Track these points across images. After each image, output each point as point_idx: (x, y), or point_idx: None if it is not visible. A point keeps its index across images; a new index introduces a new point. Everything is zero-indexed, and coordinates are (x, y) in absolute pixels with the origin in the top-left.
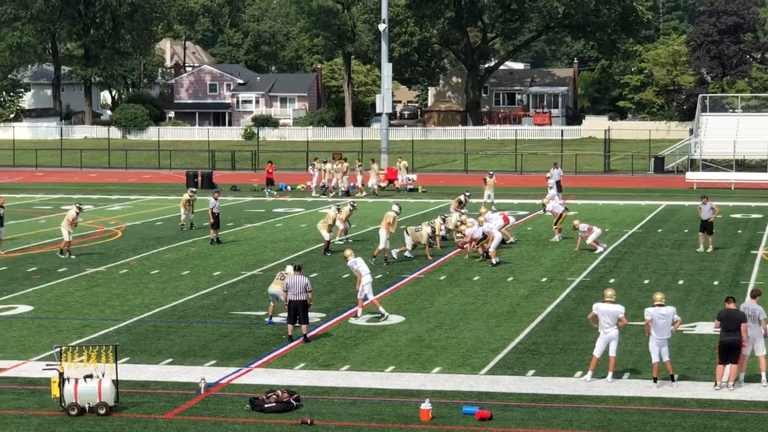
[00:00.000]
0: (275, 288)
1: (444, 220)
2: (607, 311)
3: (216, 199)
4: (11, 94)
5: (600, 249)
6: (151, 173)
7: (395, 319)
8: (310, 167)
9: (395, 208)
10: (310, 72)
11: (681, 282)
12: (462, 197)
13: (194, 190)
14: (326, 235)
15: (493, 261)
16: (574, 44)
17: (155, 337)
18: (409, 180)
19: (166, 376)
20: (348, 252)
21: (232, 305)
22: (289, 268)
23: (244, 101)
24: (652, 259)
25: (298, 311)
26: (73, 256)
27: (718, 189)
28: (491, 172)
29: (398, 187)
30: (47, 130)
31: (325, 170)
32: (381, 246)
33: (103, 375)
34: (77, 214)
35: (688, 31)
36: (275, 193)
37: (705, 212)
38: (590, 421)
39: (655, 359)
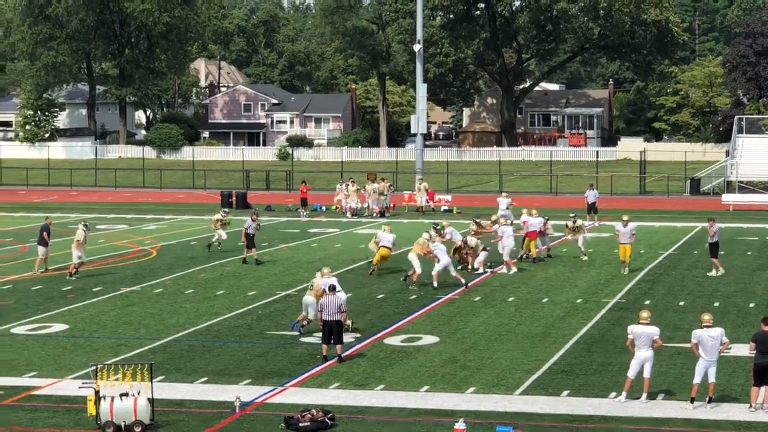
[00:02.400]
0: (309, 297)
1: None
2: (643, 333)
3: (254, 220)
4: (46, 113)
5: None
6: (186, 193)
7: (429, 339)
8: (343, 186)
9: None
10: (345, 92)
11: (717, 304)
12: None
13: (227, 210)
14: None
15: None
16: (610, 65)
17: (190, 356)
18: (428, 202)
19: (201, 394)
20: (327, 270)
21: (266, 325)
22: (323, 272)
23: (279, 121)
24: (687, 281)
25: (332, 331)
26: (73, 278)
27: (755, 211)
28: (504, 193)
29: (421, 209)
30: (82, 149)
31: (347, 192)
32: (418, 271)
33: (138, 393)
34: (84, 232)
35: (724, 53)
36: (307, 213)
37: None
38: None
39: (696, 380)
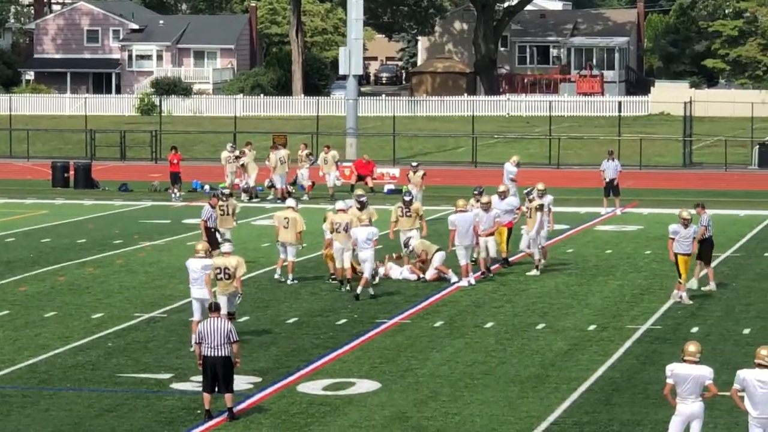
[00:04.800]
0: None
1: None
2: (689, 376)
3: (214, 206)
4: None
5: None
6: None
7: (366, 385)
8: (231, 154)
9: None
10: (240, 13)
11: None
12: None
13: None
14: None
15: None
16: None
17: (3, 411)
18: (338, 180)
19: None
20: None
21: (120, 364)
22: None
23: (140, 56)
24: (756, 298)
25: (217, 373)
26: None
27: None
28: (415, 164)
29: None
30: None
31: (245, 160)
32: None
33: None
34: None
35: None
36: (182, 195)
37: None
38: None
39: None
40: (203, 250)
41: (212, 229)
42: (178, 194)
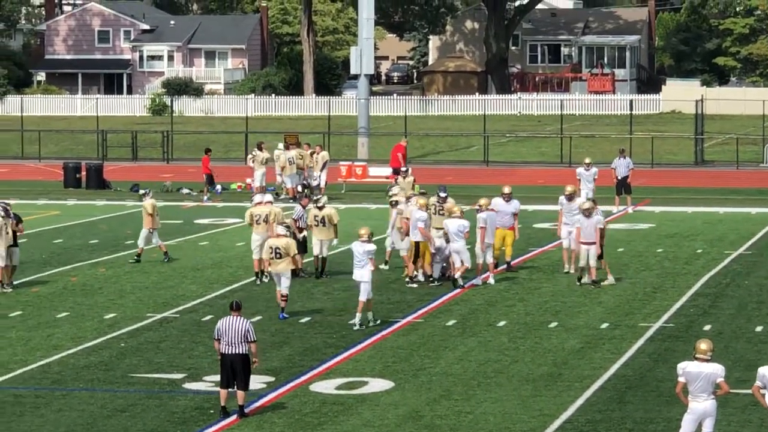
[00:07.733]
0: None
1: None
2: (700, 374)
3: (305, 206)
4: None
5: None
6: (10, 166)
7: (379, 384)
8: (249, 157)
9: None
10: (251, 13)
11: None
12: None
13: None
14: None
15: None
16: None
17: (16, 411)
18: (317, 183)
19: None
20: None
21: (133, 364)
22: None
23: (152, 57)
24: None
25: (235, 370)
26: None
27: None
28: (406, 168)
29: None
30: None
31: (252, 162)
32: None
33: None
34: (4, 217)
35: None
36: (210, 195)
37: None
38: None
39: None
40: (366, 235)
41: (301, 229)
42: (207, 196)
